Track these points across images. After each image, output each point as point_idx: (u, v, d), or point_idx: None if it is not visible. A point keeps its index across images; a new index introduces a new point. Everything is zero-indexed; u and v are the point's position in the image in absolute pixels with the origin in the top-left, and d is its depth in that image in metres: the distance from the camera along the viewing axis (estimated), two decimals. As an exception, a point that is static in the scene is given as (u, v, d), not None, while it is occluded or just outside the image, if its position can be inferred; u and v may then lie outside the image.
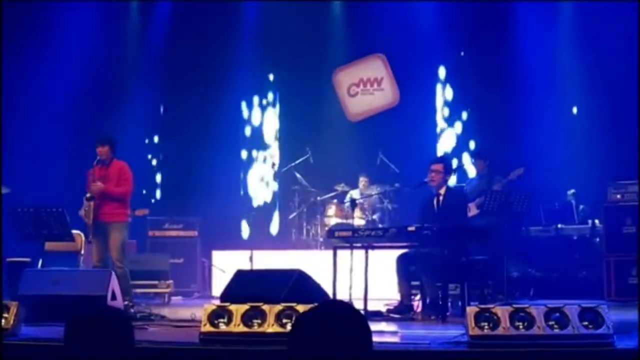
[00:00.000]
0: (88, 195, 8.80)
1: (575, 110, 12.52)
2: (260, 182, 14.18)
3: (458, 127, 13.35)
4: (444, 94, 13.48)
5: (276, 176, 13.79)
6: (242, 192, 14.07)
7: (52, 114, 12.43)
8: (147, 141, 14.08)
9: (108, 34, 13.32)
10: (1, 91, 11.62)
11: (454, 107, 13.40)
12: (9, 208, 8.86)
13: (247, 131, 14.26)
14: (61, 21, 12.78)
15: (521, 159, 11.07)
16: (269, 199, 14.09)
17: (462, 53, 13.22)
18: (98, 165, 8.92)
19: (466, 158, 12.95)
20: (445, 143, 13.38)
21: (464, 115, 13.30)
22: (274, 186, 13.98)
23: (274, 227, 13.80)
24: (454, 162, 12.63)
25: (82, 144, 11.86)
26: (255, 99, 14.31)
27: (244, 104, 14.21)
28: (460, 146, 13.26)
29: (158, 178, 14.17)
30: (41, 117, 12.37)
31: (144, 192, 13.33)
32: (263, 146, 14.26)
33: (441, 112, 13.46)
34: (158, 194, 14.09)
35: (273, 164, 13.79)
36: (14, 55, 12.21)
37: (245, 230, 13.88)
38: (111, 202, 8.87)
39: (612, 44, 11.55)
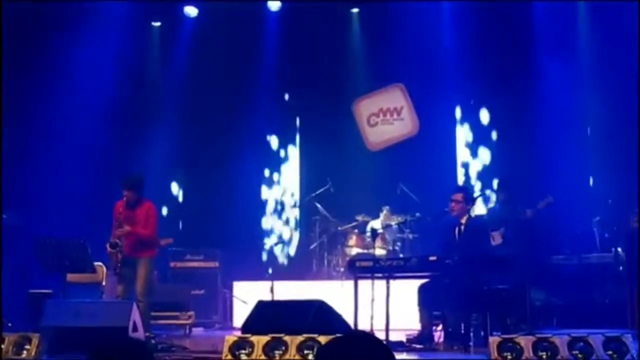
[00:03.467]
0: (112, 241, 8.75)
1: (593, 137, 12.46)
2: (281, 212, 14.17)
3: (480, 155, 13.32)
4: (465, 123, 13.47)
5: (297, 206, 13.81)
6: (262, 223, 14.06)
7: (75, 144, 12.49)
8: (169, 173, 14.10)
9: (128, 61, 13.39)
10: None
11: (476, 136, 13.39)
12: (32, 239, 8.91)
13: (268, 161, 14.28)
14: (82, 54, 12.86)
15: (542, 186, 11.02)
16: (289, 229, 14.08)
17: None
18: (124, 205, 8.88)
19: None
20: (469, 171, 13.36)
21: (486, 142, 13.27)
22: (295, 216, 13.98)
23: (295, 258, 13.76)
24: (477, 191, 12.58)
25: (106, 174, 11.95)
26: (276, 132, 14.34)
27: (264, 135, 14.24)
28: (483, 174, 13.22)
29: (180, 209, 14.18)
30: (64, 147, 12.43)
31: (166, 223, 13.32)
32: (284, 176, 14.27)
33: (463, 141, 13.43)
34: (180, 225, 14.09)
35: (292, 194, 13.78)
36: (34, 84, 12.31)
37: (266, 261, 13.85)
38: (140, 237, 8.87)
39: (631, 72, 11.51)
